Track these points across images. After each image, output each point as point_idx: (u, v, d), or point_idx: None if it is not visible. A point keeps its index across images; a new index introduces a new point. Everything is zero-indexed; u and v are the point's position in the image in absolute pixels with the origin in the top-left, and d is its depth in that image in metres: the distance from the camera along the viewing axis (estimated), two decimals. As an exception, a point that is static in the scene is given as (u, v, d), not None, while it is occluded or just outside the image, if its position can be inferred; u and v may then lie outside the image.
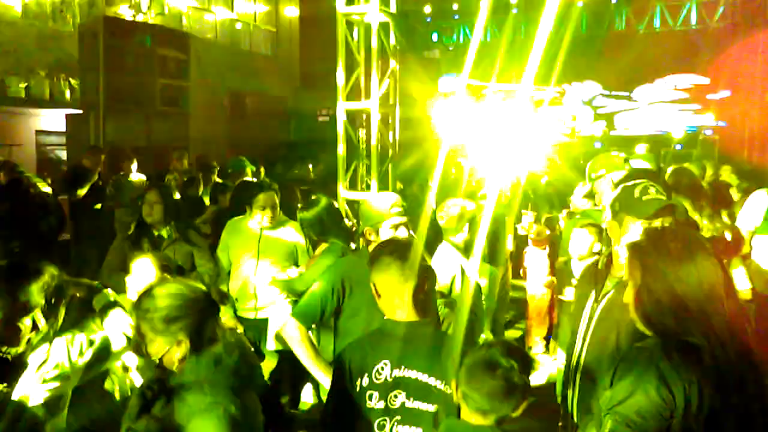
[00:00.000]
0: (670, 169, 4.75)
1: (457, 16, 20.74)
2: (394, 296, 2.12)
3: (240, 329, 3.96)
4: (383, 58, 6.68)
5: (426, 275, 2.18)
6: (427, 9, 20.63)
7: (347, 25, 6.66)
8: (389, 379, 2.04)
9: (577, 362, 2.33)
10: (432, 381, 2.01)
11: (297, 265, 4.08)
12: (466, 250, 3.72)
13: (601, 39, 17.36)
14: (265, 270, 4.07)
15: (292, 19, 17.35)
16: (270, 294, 4.08)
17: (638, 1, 17.51)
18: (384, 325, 2.16)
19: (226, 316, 4.02)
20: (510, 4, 19.24)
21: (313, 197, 4.06)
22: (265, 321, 4.11)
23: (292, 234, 4.19)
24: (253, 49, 16.32)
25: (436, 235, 3.19)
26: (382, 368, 2.05)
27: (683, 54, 16.47)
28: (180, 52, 10.09)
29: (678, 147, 13.93)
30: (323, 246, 3.80)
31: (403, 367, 2.04)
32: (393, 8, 6.67)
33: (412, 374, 2.04)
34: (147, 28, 10.08)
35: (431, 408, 2.00)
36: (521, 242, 6.23)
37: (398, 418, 2.03)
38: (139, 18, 12.30)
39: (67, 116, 10.16)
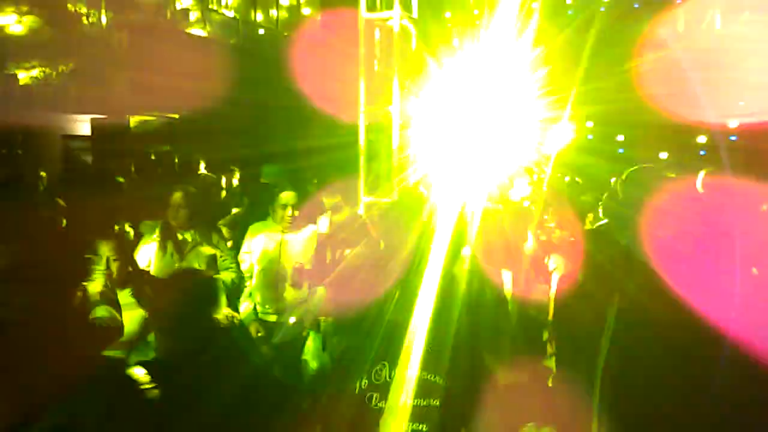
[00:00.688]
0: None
1: (478, 22, 20.73)
2: None
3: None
4: (404, 63, 6.70)
5: None
6: (448, 14, 20.66)
7: (369, 31, 6.69)
8: (389, 380, 2.05)
9: None
10: (432, 378, 2.02)
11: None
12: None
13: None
14: (286, 272, 4.10)
15: (315, 24, 17.42)
16: (292, 296, 4.10)
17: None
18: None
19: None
20: (531, 9, 19.21)
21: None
22: (285, 323, 4.13)
23: (313, 236, 4.22)
24: (273, 56, 16.40)
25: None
26: (381, 368, 2.06)
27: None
28: (205, 59, 10.20)
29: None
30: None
31: (402, 366, 2.05)
32: (415, 13, 6.70)
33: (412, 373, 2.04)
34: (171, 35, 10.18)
35: (434, 405, 2.01)
36: (543, 248, 6.17)
37: (402, 416, 2.03)
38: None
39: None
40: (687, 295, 2.32)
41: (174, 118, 9.78)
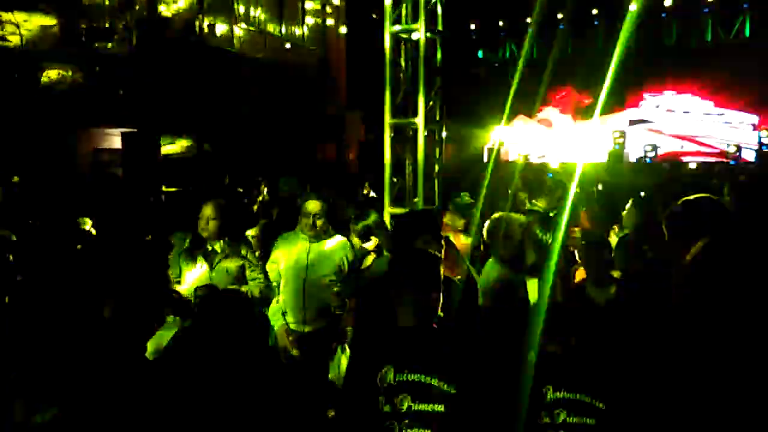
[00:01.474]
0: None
1: (503, 33, 20.73)
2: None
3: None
4: (430, 75, 6.75)
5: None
6: (473, 26, 20.70)
7: (395, 44, 6.75)
8: (393, 383, 2.07)
9: None
10: (436, 382, 2.04)
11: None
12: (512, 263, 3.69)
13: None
14: (313, 283, 4.14)
15: (340, 38, 17.60)
16: (319, 307, 4.14)
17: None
18: (388, 332, 2.22)
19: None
20: (557, 20, 19.18)
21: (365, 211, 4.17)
22: (313, 334, 4.16)
23: (340, 247, 4.25)
24: (301, 69, 16.60)
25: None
26: (386, 372, 2.09)
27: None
28: (232, 72, 10.36)
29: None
30: (371, 257, 3.87)
31: (405, 370, 2.09)
32: (439, 27, 6.75)
33: (416, 377, 2.07)
34: (200, 50, 10.38)
35: (439, 409, 2.03)
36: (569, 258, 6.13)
37: (406, 421, 2.05)
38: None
39: (123, 134, 10.47)
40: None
41: (204, 133, 9.95)
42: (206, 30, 13.24)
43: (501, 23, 20.65)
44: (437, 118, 6.90)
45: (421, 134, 6.47)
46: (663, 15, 18.56)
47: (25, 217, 5.84)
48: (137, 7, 12.01)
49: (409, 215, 4.70)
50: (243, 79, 10.94)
